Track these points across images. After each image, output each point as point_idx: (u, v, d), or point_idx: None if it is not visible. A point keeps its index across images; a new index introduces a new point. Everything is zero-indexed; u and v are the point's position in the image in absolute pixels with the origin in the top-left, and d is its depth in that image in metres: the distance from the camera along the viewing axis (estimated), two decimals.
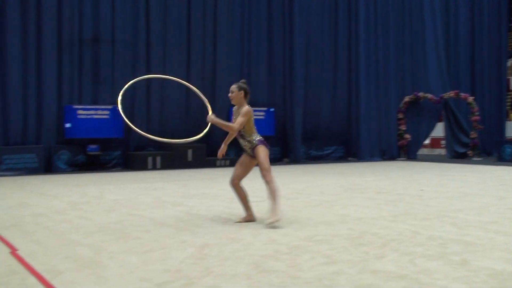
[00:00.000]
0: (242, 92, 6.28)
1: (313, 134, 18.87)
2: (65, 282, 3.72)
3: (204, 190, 9.59)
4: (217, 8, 16.93)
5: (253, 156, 6.20)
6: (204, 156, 16.07)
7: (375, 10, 19.39)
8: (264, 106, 17.76)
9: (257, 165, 6.22)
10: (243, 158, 6.37)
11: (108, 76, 15.41)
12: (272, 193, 6.01)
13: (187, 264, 4.17)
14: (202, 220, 6.31)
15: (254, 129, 6.29)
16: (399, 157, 19.49)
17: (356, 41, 19.01)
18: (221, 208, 7.26)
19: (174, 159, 15.48)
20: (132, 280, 3.76)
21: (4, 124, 14.00)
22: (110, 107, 15.03)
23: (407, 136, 19.41)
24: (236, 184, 6.31)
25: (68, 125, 14.52)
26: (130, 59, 15.72)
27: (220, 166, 16.09)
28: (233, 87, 6.32)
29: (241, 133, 6.25)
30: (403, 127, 19.47)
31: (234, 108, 6.44)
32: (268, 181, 6.06)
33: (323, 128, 18.98)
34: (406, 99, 19.50)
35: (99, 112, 14.95)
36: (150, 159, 15.14)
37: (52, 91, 14.61)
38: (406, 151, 19.55)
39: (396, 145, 19.60)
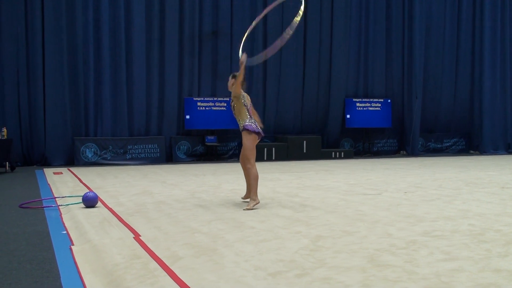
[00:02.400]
0: (233, 79, 6.95)
1: (432, 126, 18.26)
2: (184, 267, 3.86)
3: (319, 182, 9.57)
4: None
5: None
6: (320, 147, 16.05)
7: None
8: (380, 97, 17.44)
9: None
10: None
11: (226, 69, 15.79)
12: (249, 179, 6.76)
13: (301, 255, 4.18)
14: (316, 211, 6.30)
15: (244, 114, 6.81)
16: None
17: (481, 26, 18.09)
18: (335, 200, 7.21)
19: (289, 151, 15.59)
20: (247, 268, 3.84)
21: (129, 116, 14.78)
22: (227, 99, 15.41)
23: None
24: (241, 163, 7.03)
25: (187, 116, 15.07)
26: (248, 52, 15.93)
27: (335, 158, 16.01)
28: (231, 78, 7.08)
29: (235, 113, 6.90)
30: None
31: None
32: (245, 167, 6.85)
33: (443, 119, 18.30)
34: None
35: (217, 104, 15.38)
36: (265, 151, 15.33)
37: (173, 84, 15.22)
38: None
39: None
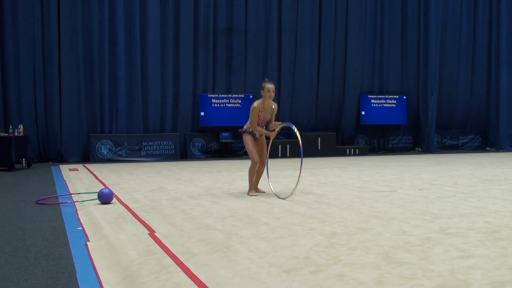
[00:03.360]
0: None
1: (448, 123, 18.15)
2: (198, 263, 3.87)
3: (333, 179, 9.55)
4: None
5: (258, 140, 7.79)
6: (334, 144, 16.01)
7: None
8: (396, 94, 17.36)
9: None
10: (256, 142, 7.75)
11: (240, 65, 15.80)
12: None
13: (316, 252, 4.17)
14: (330, 208, 6.28)
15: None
16: None
17: (498, 22, 17.94)
18: (350, 197, 7.19)
19: (303, 147, 15.57)
20: (261, 264, 3.83)
21: (144, 113, 14.86)
22: (242, 96, 15.42)
23: None
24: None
25: (202, 113, 15.11)
26: (262, 49, 16.00)
27: (350, 154, 15.96)
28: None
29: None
30: None
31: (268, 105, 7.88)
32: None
33: (459, 116, 18.18)
34: None
35: (232, 101, 15.39)
36: (280, 147, 15.33)
37: (188, 81, 15.27)
38: None
39: None
